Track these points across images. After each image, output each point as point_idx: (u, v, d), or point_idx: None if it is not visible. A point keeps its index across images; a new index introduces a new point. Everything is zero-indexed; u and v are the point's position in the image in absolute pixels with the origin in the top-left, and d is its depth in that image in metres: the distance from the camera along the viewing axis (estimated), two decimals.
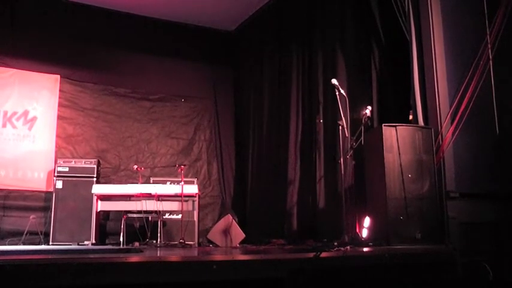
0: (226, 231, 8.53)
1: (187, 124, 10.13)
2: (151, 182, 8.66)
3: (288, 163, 8.54)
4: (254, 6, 9.78)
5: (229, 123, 10.54)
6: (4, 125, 9.06)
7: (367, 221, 6.22)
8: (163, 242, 7.72)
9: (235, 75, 10.70)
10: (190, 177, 9.20)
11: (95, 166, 8.59)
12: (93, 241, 7.99)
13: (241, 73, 10.56)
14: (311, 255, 4.29)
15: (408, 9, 6.64)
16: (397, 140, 6.03)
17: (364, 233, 6.22)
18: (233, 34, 10.76)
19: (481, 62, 6.28)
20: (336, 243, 5.59)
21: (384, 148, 5.99)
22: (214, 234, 8.65)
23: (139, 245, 7.61)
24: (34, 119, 9.23)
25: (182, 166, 7.95)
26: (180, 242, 7.41)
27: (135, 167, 8.31)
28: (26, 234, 8.44)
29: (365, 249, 5.42)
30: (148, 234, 7.81)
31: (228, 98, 10.63)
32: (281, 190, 8.59)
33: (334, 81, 6.61)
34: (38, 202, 8.93)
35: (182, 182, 7.73)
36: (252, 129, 9.83)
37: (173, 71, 10.16)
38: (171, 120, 10.03)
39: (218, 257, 4.35)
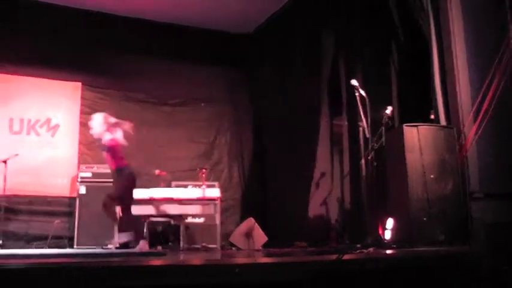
0: (248, 234, 8.53)
1: (207, 128, 10.16)
2: (173, 186, 8.69)
3: (310, 165, 8.50)
4: (272, 8, 9.72)
5: (249, 126, 10.52)
6: (28, 133, 9.22)
7: (390, 223, 6.16)
8: (185, 246, 7.75)
9: (254, 78, 10.65)
10: (212, 180, 9.20)
11: None
12: (117, 245, 8.04)
13: (260, 76, 10.49)
14: (333, 257, 4.27)
15: (427, 5, 6.57)
16: (418, 140, 5.97)
17: (387, 235, 6.16)
18: (251, 37, 10.72)
19: (504, 59, 6.18)
20: (358, 245, 5.56)
21: (406, 148, 5.94)
22: (237, 237, 8.65)
23: (162, 248, 7.64)
24: (57, 126, 9.37)
25: (203, 170, 7.97)
26: (203, 246, 7.43)
27: (157, 171, 8.34)
28: (51, 238, 8.61)
29: (388, 251, 5.38)
30: (171, 238, 7.84)
31: (247, 101, 10.60)
32: (303, 192, 8.54)
33: (353, 82, 6.58)
34: (62, 207, 9.05)
35: (203, 186, 7.74)
36: (272, 132, 9.80)
37: (192, 75, 10.16)
38: (191, 124, 10.05)
39: (240, 260, 4.35)
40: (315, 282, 3.98)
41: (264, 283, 3.91)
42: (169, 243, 7.73)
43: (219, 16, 9.88)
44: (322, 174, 8.32)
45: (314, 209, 8.29)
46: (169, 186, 8.63)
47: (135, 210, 8.03)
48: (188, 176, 9.14)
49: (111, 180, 8.55)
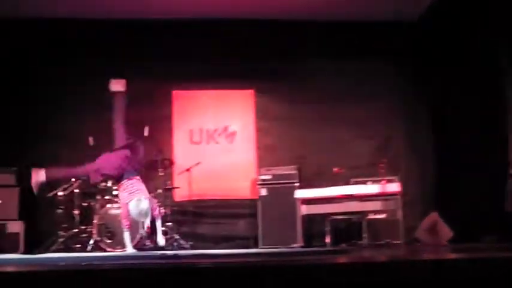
0: (432, 229, 8.25)
1: (380, 123, 9.90)
2: (352, 183, 8.65)
3: (496, 155, 7.97)
4: None
5: (425, 117, 10.11)
6: (208, 142, 9.81)
7: None
8: (369, 243, 7.69)
9: (425, 67, 10.11)
10: (391, 175, 8.99)
11: (296, 172, 8.86)
12: (301, 244, 8.20)
13: (432, 65, 9.96)
14: None
15: None
16: None
17: None
18: (417, 25, 10.14)
19: None
20: None
21: None
22: (421, 233, 8.40)
23: (346, 246, 7.65)
24: (234, 133, 9.84)
25: (381, 165, 7.85)
26: (386, 242, 7.33)
27: (335, 169, 8.37)
28: (237, 239, 9.07)
29: None
30: (354, 235, 7.82)
31: (418, 91, 10.16)
32: (490, 184, 8.03)
33: None
34: (245, 209, 9.46)
35: (383, 181, 7.63)
36: (451, 122, 9.32)
37: (357, 70, 9.94)
38: (364, 120, 9.82)
39: (425, 256, 4.22)
40: (507, 280, 3.76)
41: (452, 280, 3.76)
42: (353, 241, 7.73)
43: (378, 6, 9.56)
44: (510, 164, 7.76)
45: (503, 201, 7.76)
46: (348, 183, 8.59)
47: (317, 209, 8.11)
48: (366, 172, 9.02)
49: (291, 181, 8.81)
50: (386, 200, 7.60)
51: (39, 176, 7.06)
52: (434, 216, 8.43)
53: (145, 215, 6.96)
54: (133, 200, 6.92)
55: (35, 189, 7.08)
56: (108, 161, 7.25)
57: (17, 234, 8.02)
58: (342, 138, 9.71)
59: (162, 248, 7.52)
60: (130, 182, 7.13)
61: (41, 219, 8.06)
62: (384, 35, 10.03)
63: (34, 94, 9.35)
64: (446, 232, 8.20)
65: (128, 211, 6.98)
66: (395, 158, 9.69)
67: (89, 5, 9.21)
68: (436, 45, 9.79)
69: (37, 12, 9.25)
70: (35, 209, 7.55)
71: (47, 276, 3.37)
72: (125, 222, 6.99)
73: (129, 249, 6.97)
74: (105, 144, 7.69)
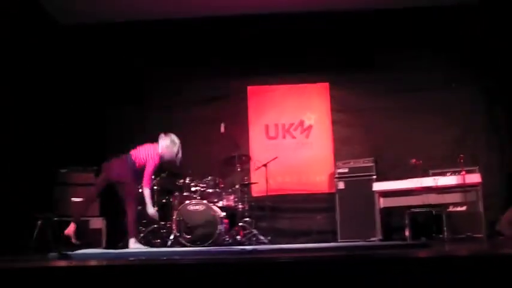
0: None
1: (458, 113, 9.55)
2: (431, 174, 8.47)
3: None
4: None
5: (505, 107, 9.66)
6: (284, 137, 9.93)
7: None
8: (449, 236, 7.52)
9: (503, 55, 9.66)
10: (470, 166, 8.70)
11: (373, 164, 8.78)
12: (380, 237, 8.11)
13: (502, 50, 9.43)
14: None
15: None
16: None
17: None
18: (478, 8, 9.49)
19: None
20: None
21: None
22: (503, 226, 8.12)
23: (426, 239, 7.50)
24: (310, 127, 9.88)
25: (461, 155, 7.63)
26: (467, 235, 7.14)
27: (413, 160, 8.21)
28: (315, 233, 9.10)
29: None
30: (434, 228, 7.66)
31: (500, 80, 9.70)
32: None
33: None
34: (322, 203, 9.47)
35: (463, 172, 7.42)
36: None
37: (433, 60, 9.67)
38: (441, 110, 9.50)
39: (510, 250, 4.08)
40: None
41: None
42: (433, 234, 7.56)
43: None
44: None
45: None
46: (426, 175, 8.41)
47: (396, 201, 7.99)
48: (445, 163, 8.78)
49: (368, 173, 8.72)
50: (466, 191, 7.37)
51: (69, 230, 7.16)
52: None
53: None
54: (166, 142, 7.29)
55: (74, 240, 7.13)
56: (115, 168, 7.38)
57: (99, 230, 8.37)
58: (418, 130, 9.47)
59: (240, 243, 7.59)
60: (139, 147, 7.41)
61: (122, 216, 8.32)
62: (453, 20, 9.65)
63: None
64: None
65: (159, 162, 7.29)
66: (474, 149, 9.37)
67: (161, 5, 9.43)
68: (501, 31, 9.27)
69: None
70: (116, 206, 7.77)
71: (128, 270, 3.50)
72: (147, 180, 7.20)
73: (150, 209, 7.24)
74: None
